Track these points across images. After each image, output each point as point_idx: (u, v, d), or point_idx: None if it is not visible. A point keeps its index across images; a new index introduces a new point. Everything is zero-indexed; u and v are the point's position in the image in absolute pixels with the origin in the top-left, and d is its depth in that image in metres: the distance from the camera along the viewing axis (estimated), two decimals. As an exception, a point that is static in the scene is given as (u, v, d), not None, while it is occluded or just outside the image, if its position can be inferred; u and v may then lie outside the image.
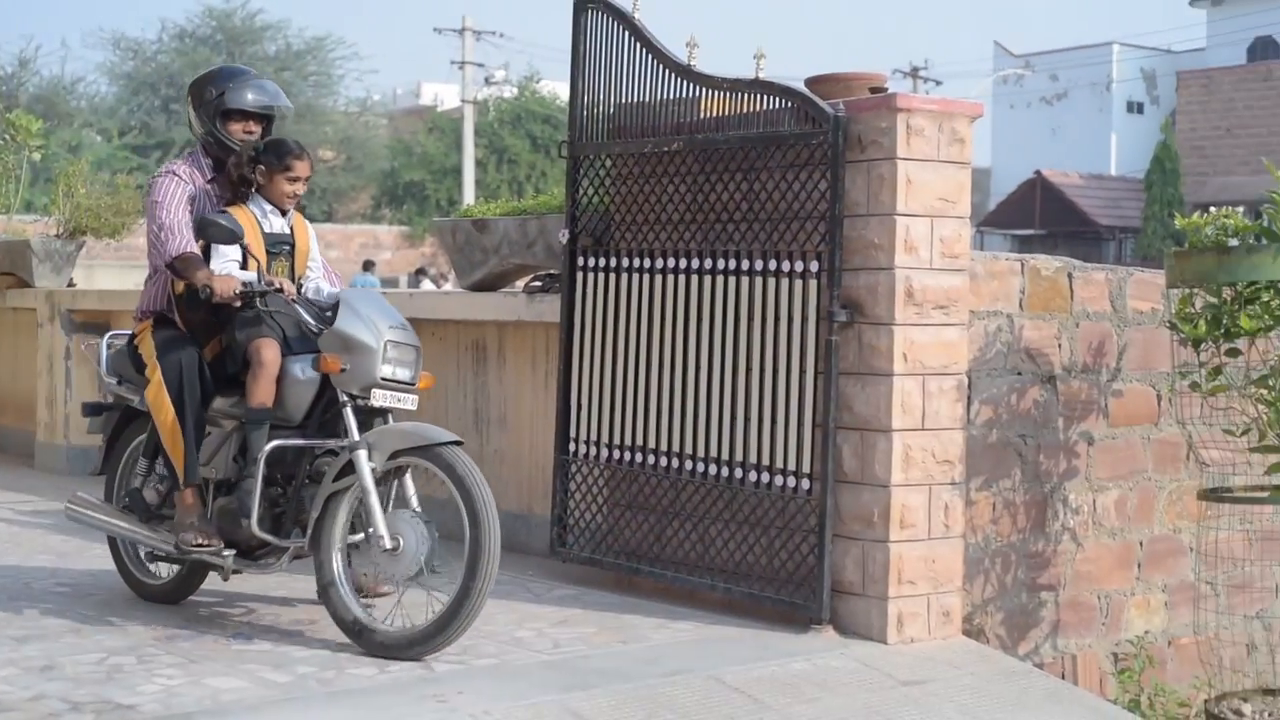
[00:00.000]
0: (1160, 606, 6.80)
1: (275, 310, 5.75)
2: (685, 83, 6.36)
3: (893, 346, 5.68)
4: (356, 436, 5.48)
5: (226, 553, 5.72)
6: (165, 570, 6.26)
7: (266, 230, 5.92)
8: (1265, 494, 5.93)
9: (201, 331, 5.92)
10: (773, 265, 5.99)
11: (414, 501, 5.52)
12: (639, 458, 6.50)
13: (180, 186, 5.97)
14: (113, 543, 6.40)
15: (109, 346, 6.37)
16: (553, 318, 7.08)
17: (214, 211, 5.85)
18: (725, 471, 6.15)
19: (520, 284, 8.23)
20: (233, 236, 5.69)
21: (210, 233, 5.70)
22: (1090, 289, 6.52)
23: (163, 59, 51.44)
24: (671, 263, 6.40)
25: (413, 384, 5.66)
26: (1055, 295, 6.40)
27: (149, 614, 6.02)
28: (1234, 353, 5.77)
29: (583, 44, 6.79)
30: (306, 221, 6.16)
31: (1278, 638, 6.60)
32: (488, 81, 48.83)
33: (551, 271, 7.57)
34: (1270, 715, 6.45)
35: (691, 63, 6.34)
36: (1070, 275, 6.46)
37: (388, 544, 5.35)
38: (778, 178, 6.01)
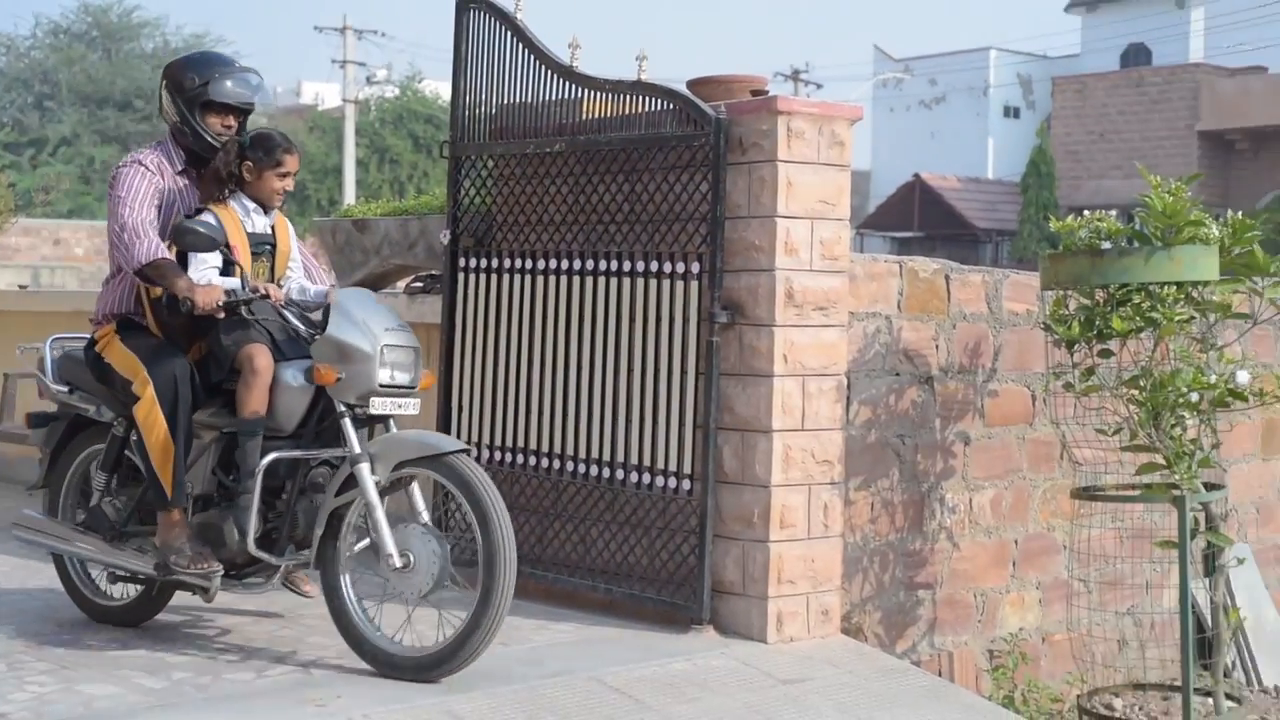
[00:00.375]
0: (1034, 604, 6.90)
1: (262, 317, 5.41)
2: (567, 84, 6.35)
3: (773, 347, 5.72)
4: (358, 449, 5.16)
5: (215, 573, 5.32)
6: (124, 591, 5.87)
7: (249, 230, 5.57)
8: (1136, 492, 6.04)
9: (181, 336, 5.52)
10: (654, 266, 6.01)
11: (424, 513, 5.22)
12: (520, 459, 6.48)
13: (146, 180, 5.53)
14: (59, 562, 5.97)
15: (54, 350, 5.91)
16: (434, 319, 7.04)
17: (192, 215, 5.46)
18: (606, 472, 6.15)
19: (401, 285, 8.19)
20: (212, 244, 5.30)
21: (188, 240, 5.28)
22: (967, 291, 6.60)
23: (37, 55, 50.56)
24: (553, 264, 6.39)
25: (413, 387, 5.34)
26: (933, 297, 6.47)
27: (20, 621, 5.90)
28: (1106, 354, 5.87)
29: (465, 44, 6.76)
30: (287, 220, 5.83)
31: (1148, 633, 6.72)
32: (369, 81, 48.50)
33: (433, 272, 7.53)
34: (1141, 709, 6.57)
35: (574, 64, 6.34)
36: (947, 277, 6.53)
37: (397, 562, 5.07)
38: (659, 179, 6.02)
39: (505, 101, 6.63)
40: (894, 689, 5.61)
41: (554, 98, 6.40)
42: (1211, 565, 6.14)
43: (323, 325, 5.31)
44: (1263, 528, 7.98)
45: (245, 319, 5.38)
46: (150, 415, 5.34)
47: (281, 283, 5.66)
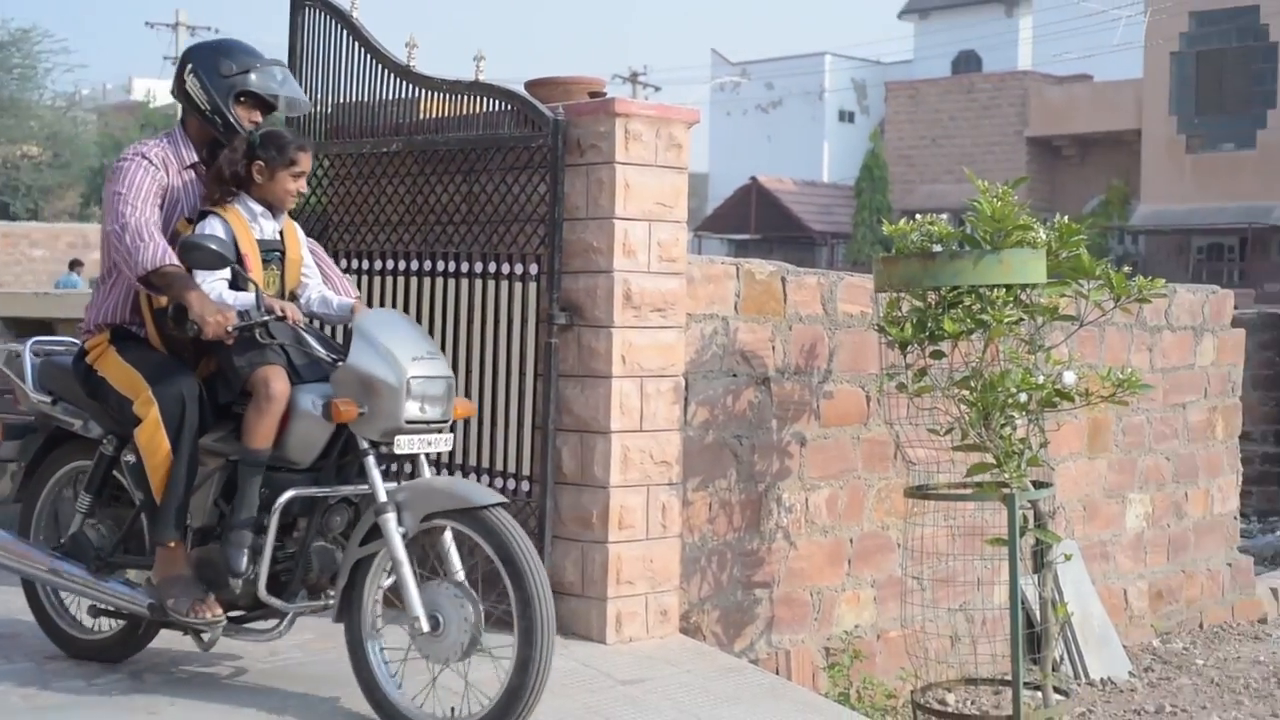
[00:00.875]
0: (869, 601, 6.99)
1: (279, 341, 4.89)
2: (404, 83, 6.31)
3: (611, 349, 5.73)
4: (383, 497, 4.64)
5: (218, 622, 4.83)
6: (107, 625, 5.34)
7: (258, 236, 5.02)
8: (967, 491, 6.15)
9: (187, 350, 5.00)
10: (492, 268, 5.99)
11: (459, 571, 4.71)
12: (357, 461, 6.41)
13: (149, 175, 5.01)
14: (29, 588, 5.48)
15: (35, 355, 5.37)
16: (269, 320, 6.94)
17: (195, 219, 5.00)
18: (445, 474, 6.11)
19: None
20: (222, 262, 4.78)
21: (194, 258, 4.75)
22: (803, 293, 6.67)
23: None
24: (390, 264, 6.34)
25: (445, 421, 4.82)
26: (769, 299, 6.52)
27: None
28: (938, 355, 5.96)
29: (300, 42, 6.69)
30: (296, 225, 5.27)
31: (980, 629, 6.85)
32: (202, 78, 47.68)
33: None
34: (972, 704, 6.70)
35: (411, 63, 6.29)
36: (784, 279, 6.59)
37: (425, 626, 4.58)
38: (498, 180, 6.01)
39: (341, 101, 6.57)
40: (732, 688, 5.65)
41: (391, 97, 6.36)
42: (1040, 562, 6.27)
43: (344, 350, 4.85)
44: (1089, 524, 8.18)
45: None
46: (154, 440, 4.83)
47: (298, 293, 5.19)
